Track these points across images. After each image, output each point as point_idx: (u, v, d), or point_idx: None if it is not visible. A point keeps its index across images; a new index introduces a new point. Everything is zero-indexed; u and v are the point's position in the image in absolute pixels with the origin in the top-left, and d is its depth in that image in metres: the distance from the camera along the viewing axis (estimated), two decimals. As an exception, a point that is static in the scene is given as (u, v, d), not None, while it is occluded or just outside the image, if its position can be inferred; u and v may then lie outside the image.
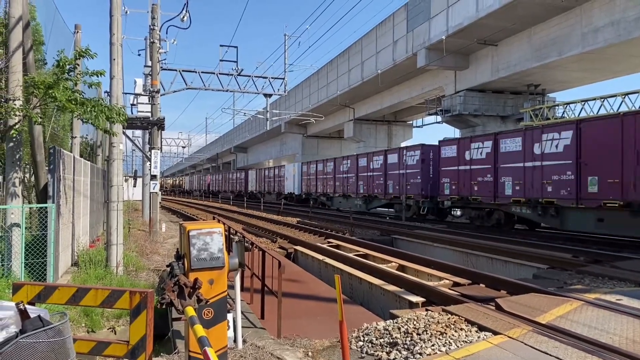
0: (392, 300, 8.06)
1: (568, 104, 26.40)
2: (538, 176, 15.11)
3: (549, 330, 5.17)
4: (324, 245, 13.60)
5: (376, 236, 17.07)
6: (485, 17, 22.35)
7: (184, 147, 70.71)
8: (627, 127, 12.51)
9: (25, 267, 8.13)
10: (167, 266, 3.67)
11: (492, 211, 17.83)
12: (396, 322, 5.74)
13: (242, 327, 5.40)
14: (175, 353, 5.36)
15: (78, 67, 9.26)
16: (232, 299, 4.93)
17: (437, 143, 21.20)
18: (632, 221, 12.30)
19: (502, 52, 25.50)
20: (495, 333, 5.20)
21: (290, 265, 11.07)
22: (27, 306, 2.64)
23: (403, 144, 41.65)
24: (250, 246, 8.55)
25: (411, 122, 45.43)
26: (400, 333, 5.35)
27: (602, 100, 23.96)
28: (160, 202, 23.05)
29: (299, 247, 13.97)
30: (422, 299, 7.54)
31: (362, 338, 5.42)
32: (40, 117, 8.80)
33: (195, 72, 22.84)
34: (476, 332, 5.33)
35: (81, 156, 15.11)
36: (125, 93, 20.75)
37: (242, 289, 6.12)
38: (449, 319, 5.73)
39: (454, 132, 32.42)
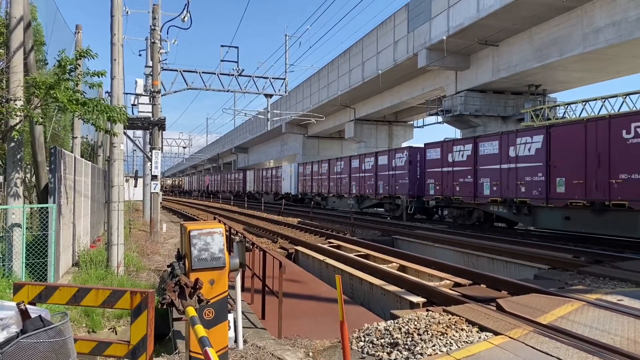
0: (392, 300, 8.06)
1: (569, 104, 26.37)
2: (513, 177, 15.85)
3: (550, 331, 5.17)
4: (325, 246, 13.60)
5: (377, 236, 17.09)
6: (486, 17, 22.37)
7: (184, 148, 70.71)
8: (589, 132, 13.31)
9: (26, 267, 8.13)
10: (168, 266, 3.67)
11: (473, 210, 18.55)
12: (397, 323, 5.74)
13: (243, 327, 5.41)
14: (176, 353, 5.36)
15: (79, 68, 9.27)
16: (233, 299, 4.93)
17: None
18: (594, 219, 13.13)
19: (503, 52, 25.48)
20: (496, 333, 5.20)
21: (291, 266, 11.07)
22: (28, 306, 2.64)
23: (404, 145, 41.67)
24: (251, 246, 8.55)
25: (412, 122, 45.41)
26: (401, 333, 5.34)
27: (603, 100, 23.92)
28: (160, 203, 23.06)
29: (299, 248, 13.96)
30: (423, 300, 7.54)
31: (362, 338, 5.41)
32: (41, 118, 8.80)
33: (196, 72, 22.86)
34: (477, 332, 5.33)
35: (82, 156, 15.12)
36: (126, 93, 20.83)
37: (243, 289, 6.11)
38: (449, 319, 5.72)
39: (454, 133, 32.46)
